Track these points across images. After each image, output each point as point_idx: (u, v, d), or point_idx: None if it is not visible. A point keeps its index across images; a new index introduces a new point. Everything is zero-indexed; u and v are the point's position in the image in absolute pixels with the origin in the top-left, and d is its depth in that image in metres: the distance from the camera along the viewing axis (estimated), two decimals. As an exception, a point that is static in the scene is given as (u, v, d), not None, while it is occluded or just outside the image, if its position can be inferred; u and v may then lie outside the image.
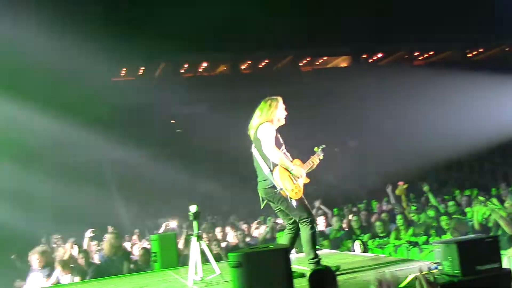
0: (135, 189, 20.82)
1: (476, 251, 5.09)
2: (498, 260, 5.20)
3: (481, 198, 9.66)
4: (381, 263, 6.94)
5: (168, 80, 27.34)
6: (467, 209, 10.82)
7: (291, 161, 6.19)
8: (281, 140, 6.26)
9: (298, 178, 6.12)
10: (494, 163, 22.44)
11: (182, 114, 26.48)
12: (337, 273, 5.84)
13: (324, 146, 6.58)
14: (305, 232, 6.17)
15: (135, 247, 11.89)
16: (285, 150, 6.23)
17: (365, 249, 9.77)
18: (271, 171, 6.04)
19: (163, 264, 8.93)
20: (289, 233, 6.42)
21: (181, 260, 9.31)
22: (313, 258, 6.15)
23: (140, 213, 18.83)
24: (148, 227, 15.49)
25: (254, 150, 6.27)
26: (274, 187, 6.03)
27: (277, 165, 6.04)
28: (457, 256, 4.99)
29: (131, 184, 21.23)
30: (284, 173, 6.02)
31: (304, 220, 6.13)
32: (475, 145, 21.53)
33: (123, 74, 28.41)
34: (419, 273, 3.61)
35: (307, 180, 6.34)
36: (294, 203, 6.03)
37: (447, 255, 5.11)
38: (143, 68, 28.45)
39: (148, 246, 10.50)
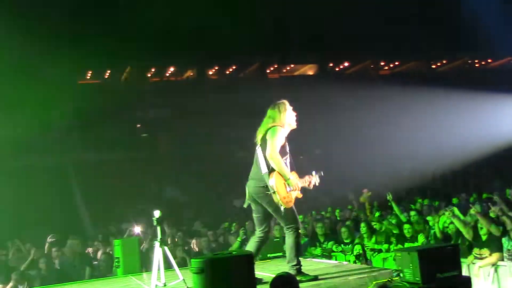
0: (99, 193, 20.55)
1: (437, 259, 5.17)
2: (458, 268, 5.29)
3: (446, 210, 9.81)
4: (344, 270, 6.98)
5: (134, 84, 27.15)
6: (428, 218, 10.95)
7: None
8: (287, 149, 6.29)
9: (293, 189, 6.16)
10: (455, 173, 22.80)
11: (148, 118, 26.30)
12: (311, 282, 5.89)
13: (322, 173, 6.64)
14: (290, 239, 6.22)
15: (98, 252, 11.72)
16: (287, 161, 6.25)
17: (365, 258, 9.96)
18: (269, 173, 6.05)
19: (125, 270, 8.83)
20: (257, 241, 6.43)
21: (145, 265, 9.23)
22: (295, 265, 6.19)
23: (104, 218, 18.58)
24: (111, 232, 15.29)
25: (258, 148, 6.27)
26: (266, 187, 6.03)
27: (275, 170, 6.07)
28: (418, 264, 5.06)
29: (94, 188, 20.96)
30: (280, 180, 6.04)
31: (291, 227, 6.19)
32: (438, 155, 21.89)
33: (89, 77, 28.07)
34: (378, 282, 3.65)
35: (300, 195, 6.37)
36: (282, 210, 6.05)
37: (408, 263, 5.17)
38: (109, 71, 28.16)
39: (111, 252, 10.36)
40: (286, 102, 6.49)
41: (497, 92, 23.43)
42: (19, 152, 20.90)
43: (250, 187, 6.29)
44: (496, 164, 22.90)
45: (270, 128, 6.23)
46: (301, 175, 6.46)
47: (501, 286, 7.99)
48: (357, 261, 9.39)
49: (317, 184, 6.55)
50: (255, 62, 29.38)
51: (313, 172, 6.57)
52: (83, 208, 20.81)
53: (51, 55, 19.93)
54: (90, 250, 12.03)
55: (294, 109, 6.55)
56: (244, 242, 11.01)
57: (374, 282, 5.20)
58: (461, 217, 9.32)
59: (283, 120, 6.34)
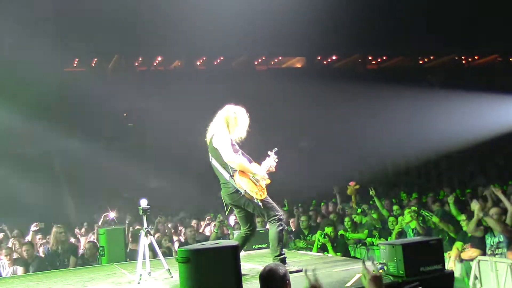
0: (84, 182, 20.47)
1: (421, 252, 5.23)
2: (442, 261, 5.35)
3: (413, 208, 9.92)
4: (328, 262, 7.04)
5: (121, 72, 26.98)
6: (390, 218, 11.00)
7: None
8: (236, 146, 6.31)
9: (260, 180, 6.21)
10: (440, 169, 22.99)
11: (134, 108, 26.16)
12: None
13: (276, 149, 6.64)
14: (272, 230, 6.26)
15: (82, 240, 11.71)
16: (241, 156, 6.28)
17: None
18: (232, 176, 6.09)
19: (110, 259, 8.83)
20: (243, 236, 6.51)
21: (130, 254, 9.24)
22: (278, 255, 6.23)
23: (89, 206, 18.52)
24: (96, 220, 15.24)
25: (212, 160, 6.30)
26: (237, 191, 6.07)
27: (236, 170, 6.09)
28: (402, 257, 5.11)
29: (80, 177, 20.87)
30: (244, 177, 6.10)
31: (272, 218, 6.24)
32: (423, 150, 22.04)
33: (75, 65, 27.86)
34: (364, 266, 3.65)
35: (269, 181, 6.42)
36: (260, 205, 6.10)
37: (392, 256, 5.22)
38: (96, 59, 27.97)
39: (95, 240, 10.35)
40: (240, 113, 6.39)
41: (483, 89, 23.57)
42: (3, 140, 20.71)
43: (224, 196, 6.38)
44: (480, 160, 23.11)
45: (213, 135, 6.26)
46: (261, 161, 6.51)
47: (482, 281, 8.08)
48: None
49: (276, 161, 6.57)
50: (242, 53, 29.34)
51: (269, 153, 6.60)
52: (67, 196, 20.72)
53: (36, 41, 19.75)
54: (74, 238, 12.02)
55: (248, 114, 6.46)
56: (222, 233, 11.07)
57: (357, 274, 5.23)
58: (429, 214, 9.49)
59: (232, 130, 6.32)
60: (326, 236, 9.60)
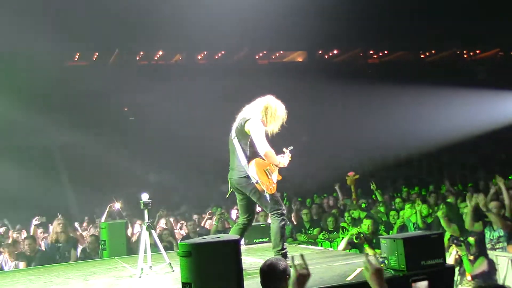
0: (85, 176, 20.48)
1: (422, 247, 5.23)
2: (442, 256, 5.35)
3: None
4: (330, 256, 7.04)
5: (122, 67, 26.96)
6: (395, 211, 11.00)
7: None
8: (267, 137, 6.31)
9: (272, 173, 6.20)
10: (441, 162, 22.98)
11: (135, 102, 26.14)
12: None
13: (292, 147, 6.62)
14: (275, 224, 6.24)
15: (84, 234, 11.72)
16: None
17: None
18: (248, 163, 6.06)
19: (111, 252, 8.85)
20: (240, 227, 6.48)
21: (131, 248, 9.26)
22: (280, 250, 6.23)
23: (90, 200, 18.54)
24: (97, 214, 15.26)
25: (234, 139, 6.23)
26: (248, 177, 6.05)
27: (254, 158, 6.08)
28: (403, 252, 5.11)
29: (81, 171, 20.88)
30: (260, 168, 6.08)
31: (276, 212, 6.22)
32: (424, 144, 22.03)
33: (77, 59, 27.85)
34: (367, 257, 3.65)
35: (280, 177, 6.40)
36: (267, 197, 6.08)
37: (394, 250, 5.22)
38: (97, 53, 27.95)
39: (97, 234, 10.36)
40: (280, 108, 6.37)
41: (484, 83, 23.57)
42: (5, 133, 20.72)
43: (232, 177, 6.31)
44: (481, 154, 23.11)
45: (247, 120, 6.17)
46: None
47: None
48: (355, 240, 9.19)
49: (290, 159, 6.56)
50: (244, 47, 29.29)
51: (284, 149, 6.58)
52: (69, 190, 20.73)
53: (38, 35, 19.70)
54: (75, 232, 12.03)
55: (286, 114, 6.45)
56: (223, 227, 11.08)
57: (358, 269, 5.24)
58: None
59: (264, 121, 6.27)
60: (360, 236, 9.06)
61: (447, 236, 8.69)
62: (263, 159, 6.17)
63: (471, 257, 7.17)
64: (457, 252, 7.49)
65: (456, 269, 7.62)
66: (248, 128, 6.12)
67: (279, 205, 6.28)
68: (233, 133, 6.28)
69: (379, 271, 3.50)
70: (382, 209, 11.32)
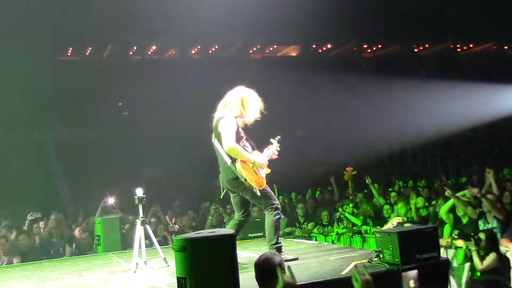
0: (80, 171, 20.42)
1: (416, 240, 5.25)
2: (437, 249, 5.37)
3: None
4: (325, 250, 7.05)
5: (116, 61, 26.87)
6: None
7: (251, 153, 6.21)
8: (242, 133, 6.23)
9: (260, 169, 6.18)
10: (435, 156, 23.06)
11: (129, 97, 26.07)
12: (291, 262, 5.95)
13: (279, 137, 6.60)
14: (270, 218, 6.24)
15: (78, 230, 11.69)
16: (245, 143, 6.21)
17: None
18: (233, 162, 6.04)
19: (106, 248, 8.84)
20: (236, 223, 6.48)
21: (126, 244, 9.24)
22: (275, 244, 6.24)
23: (84, 195, 18.49)
24: (92, 210, 15.23)
25: (215, 141, 6.23)
26: (237, 178, 6.03)
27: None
28: (397, 245, 5.12)
29: (75, 166, 20.81)
30: (246, 165, 6.04)
31: (270, 206, 6.23)
32: (418, 138, 22.09)
33: (70, 54, 27.75)
34: (357, 264, 3.72)
35: (269, 171, 6.39)
36: (258, 193, 6.07)
37: (388, 244, 5.24)
38: (90, 48, 27.85)
39: (92, 229, 10.34)
40: (250, 95, 6.29)
41: (478, 77, 23.60)
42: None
43: (222, 179, 6.31)
44: (475, 148, 23.19)
45: (220, 118, 6.14)
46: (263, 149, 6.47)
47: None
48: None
49: (278, 149, 6.53)
50: (237, 42, 29.25)
51: (271, 140, 6.56)
52: (63, 185, 20.68)
53: (31, 30, 19.62)
54: (70, 228, 12.01)
55: (260, 97, 6.37)
56: (218, 221, 11.09)
57: (353, 263, 5.25)
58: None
59: (243, 113, 6.22)
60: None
61: (447, 230, 8.72)
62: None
63: (482, 253, 7.16)
64: (467, 247, 7.51)
65: (467, 265, 7.65)
66: (220, 128, 6.10)
67: (273, 200, 6.28)
68: (212, 135, 6.28)
69: (369, 282, 3.59)
70: (367, 206, 11.33)
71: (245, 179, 5.98)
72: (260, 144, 6.57)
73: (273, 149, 6.47)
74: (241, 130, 6.22)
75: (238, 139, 6.10)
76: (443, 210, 8.85)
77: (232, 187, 6.23)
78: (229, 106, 6.22)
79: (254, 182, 6.03)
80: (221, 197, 6.65)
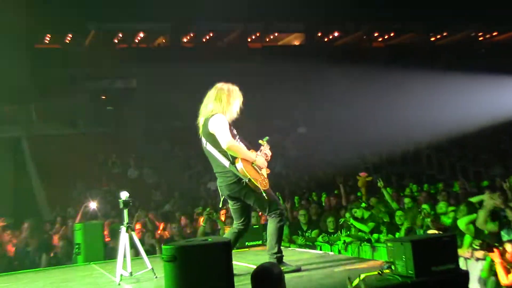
0: (58, 171, 20.39)
1: (432, 250, 5.22)
2: (455, 260, 5.33)
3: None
4: (330, 260, 7.04)
5: (99, 50, 26.86)
6: (424, 206, 11.01)
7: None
8: (234, 131, 6.24)
9: (261, 168, 6.18)
10: (452, 157, 23.03)
11: (114, 89, 26.06)
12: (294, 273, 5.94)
13: (268, 138, 6.61)
14: (272, 225, 6.24)
15: (56, 237, 11.69)
16: (239, 141, 6.22)
17: None
18: (233, 163, 6.03)
19: (87, 257, 8.81)
20: (235, 231, 6.46)
21: (108, 253, 9.22)
22: (276, 253, 6.22)
23: (63, 199, 18.49)
24: (71, 214, 15.23)
25: (207, 145, 6.23)
26: (239, 180, 6.03)
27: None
28: (411, 256, 5.09)
29: (53, 166, 20.78)
30: (248, 164, 6.05)
31: (273, 212, 6.22)
32: (434, 137, 22.07)
33: (48, 41, 27.72)
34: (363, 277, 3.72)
35: (268, 170, 6.38)
36: (263, 196, 6.05)
37: (400, 254, 5.21)
38: (71, 35, 27.82)
39: (71, 237, 10.33)
40: (234, 90, 6.34)
41: (501, 69, 23.56)
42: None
43: (221, 186, 6.28)
44: (497, 148, 23.16)
45: (207, 119, 6.17)
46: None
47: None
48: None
49: (269, 153, 6.54)
50: (234, 29, 29.25)
51: (260, 141, 6.55)
52: (39, 188, 20.65)
53: (4, 14, 19.57)
54: (46, 235, 12.00)
55: (242, 93, 6.39)
56: (211, 228, 11.06)
57: (362, 275, 5.24)
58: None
59: (226, 108, 6.23)
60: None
61: (467, 239, 8.69)
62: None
63: (508, 266, 7.15)
64: (491, 259, 7.50)
65: (492, 279, 7.63)
66: (211, 128, 6.11)
67: (277, 205, 6.27)
68: (203, 141, 6.29)
69: None
70: (382, 208, 11.29)
71: (249, 179, 5.96)
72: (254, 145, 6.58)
73: (265, 151, 6.48)
74: (233, 128, 6.23)
75: (232, 137, 6.12)
76: (463, 222, 8.78)
77: (233, 193, 6.21)
78: (210, 107, 6.24)
79: (258, 182, 6.03)
80: (220, 205, 6.65)
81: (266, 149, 6.50)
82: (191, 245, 4.76)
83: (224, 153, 6.08)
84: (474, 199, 8.80)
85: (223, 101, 6.22)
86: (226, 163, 6.07)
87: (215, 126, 6.06)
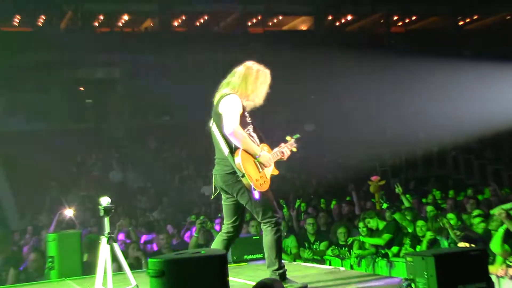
0: (28, 174, 20.42)
1: (459, 266, 5.22)
2: (486, 278, 5.33)
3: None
4: (341, 277, 7.05)
5: (76, 34, 26.88)
6: (450, 215, 11.03)
7: (258, 146, 6.19)
8: (248, 118, 6.24)
9: (265, 166, 6.14)
10: (483, 159, 23.05)
11: (94, 79, 26.10)
12: None
13: (298, 135, 6.58)
14: (268, 236, 6.20)
15: (26, 249, 11.70)
16: (251, 131, 6.20)
17: None
18: (232, 153, 6.02)
19: (62, 272, 8.80)
20: (224, 238, 6.40)
21: (86, 267, 9.22)
22: (277, 269, 6.19)
23: (34, 205, 18.51)
24: (43, 223, 15.27)
25: (213, 126, 6.24)
26: (234, 172, 6.00)
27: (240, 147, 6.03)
28: (434, 272, 5.09)
29: (22, 167, 20.81)
30: (248, 158, 6.00)
31: (268, 220, 6.16)
32: (462, 135, 22.06)
33: (17, 24, 27.76)
34: None
35: (276, 172, 6.35)
36: (257, 196, 5.99)
37: (422, 271, 5.21)
38: (44, 17, 27.86)
39: (44, 249, 10.33)
40: (264, 73, 6.37)
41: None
42: None
43: (216, 174, 6.27)
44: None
45: (222, 97, 6.17)
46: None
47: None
48: None
49: (294, 150, 6.53)
50: (232, 12, 29.29)
51: (287, 138, 6.53)
52: (6, 193, 20.68)
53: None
54: (15, 247, 12.02)
55: (271, 79, 6.42)
56: (205, 239, 11.08)
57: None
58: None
59: (246, 88, 6.25)
60: None
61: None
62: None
63: None
64: None
65: None
66: (220, 108, 6.11)
67: (274, 212, 6.21)
68: (211, 117, 6.28)
69: None
70: (408, 216, 11.27)
71: (243, 174, 5.91)
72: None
73: (285, 149, 6.44)
74: (247, 115, 6.22)
75: (243, 125, 6.10)
76: (496, 243, 8.61)
77: (226, 185, 6.18)
78: (232, 84, 6.25)
79: (253, 181, 5.98)
80: (212, 197, 6.61)
81: (287, 147, 6.47)
82: (181, 259, 4.77)
83: (226, 138, 6.06)
84: (506, 206, 8.74)
85: (248, 82, 6.22)
86: (226, 150, 6.04)
87: (225, 107, 6.06)
